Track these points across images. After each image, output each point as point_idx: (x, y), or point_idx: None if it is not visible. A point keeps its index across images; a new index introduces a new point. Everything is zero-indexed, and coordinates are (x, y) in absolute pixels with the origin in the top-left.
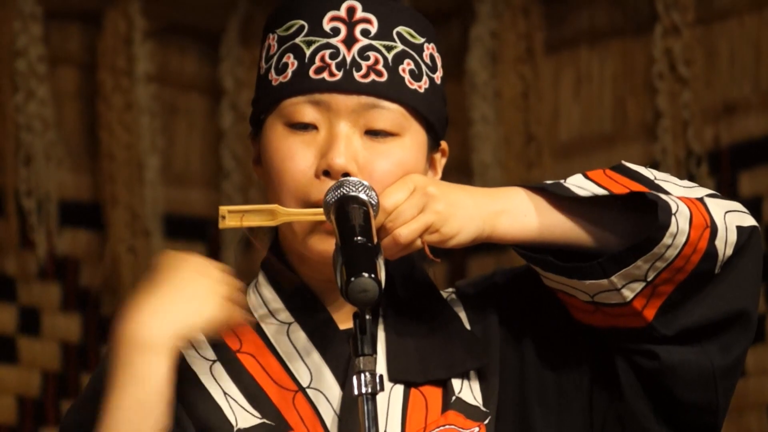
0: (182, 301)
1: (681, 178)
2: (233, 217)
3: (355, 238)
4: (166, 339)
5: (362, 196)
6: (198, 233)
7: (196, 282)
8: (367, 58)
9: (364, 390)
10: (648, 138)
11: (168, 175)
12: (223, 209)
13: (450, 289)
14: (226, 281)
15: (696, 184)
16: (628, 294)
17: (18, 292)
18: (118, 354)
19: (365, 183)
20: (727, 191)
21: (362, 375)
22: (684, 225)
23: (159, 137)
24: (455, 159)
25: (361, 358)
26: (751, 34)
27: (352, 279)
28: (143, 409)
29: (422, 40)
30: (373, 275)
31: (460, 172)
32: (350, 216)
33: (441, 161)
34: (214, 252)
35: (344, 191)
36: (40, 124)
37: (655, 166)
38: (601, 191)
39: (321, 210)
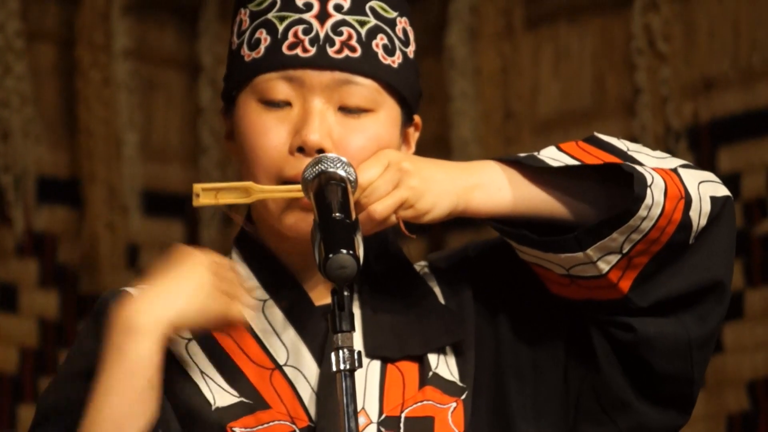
0: (180, 292)
1: None
2: (207, 194)
3: (334, 215)
4: (155, 323)
5: (341, 172)
6: (176, 209)
7: (200, 277)
8: (341, 34)
9: (342, 366)
10: (627, 114)
11: (146, 151)
12: (197, 187)
13: (422, 263)
14: (234, 282)
15: (668, 155)
16: (604, 266)
17: None
18: (110, 339)
19: (343, 159)
20: (706, 167)
21: (340, 351)
22: (659, 196)
23: (137, 113)
24: (434, 135)
25: (340, 334)
26: (730, 9)
27: (331, 255)
28: (128, 392)
29: (395, 14)
30: (351, 252)
31: (439, 148)
32: (328, 192)
33: (414, 135)
34: (191, 229)
35: (323, 167)
36: (17, 99)
37: (634, 142)
38: (574, 163)
39: (296, 186)
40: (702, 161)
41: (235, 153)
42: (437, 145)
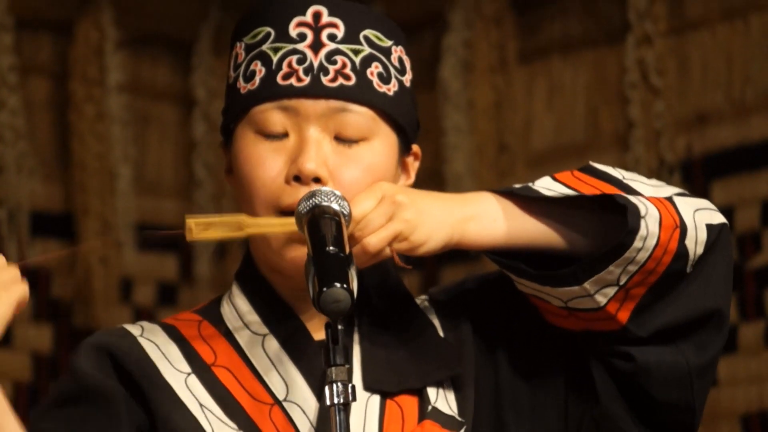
0: None
1: None
2: (199, 227)
3: (327, 248)
4: None
5: (334, 206)
6: (170, 243)
7: None
8: (335, 63)
9: (336, 400)
10: (621, 147)
11: (140, 184)
12: (190, 221)
13: (422, 297)
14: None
15: (664, 183)
16: (602, 299)
17: None
18: None
19: (337, 193)
20: None
21: (334, 385)
22: (654, 227)
23: (131, 147)
24: (428, 169)
25: (333, 368)
26: (723, 44)
27: (324, 289)
28: None
29: (390, 42)
30: (345, 285)
31: (432, 181)
32: (322, 226)
33: (414, 165)
34: (185, 263)
35: (316, 201)
36: (11, 134)
37: None
38: (569, 192)
39: (289, 219)
40: (695, 195)
41: (234, 186)
42: (431, 179)
